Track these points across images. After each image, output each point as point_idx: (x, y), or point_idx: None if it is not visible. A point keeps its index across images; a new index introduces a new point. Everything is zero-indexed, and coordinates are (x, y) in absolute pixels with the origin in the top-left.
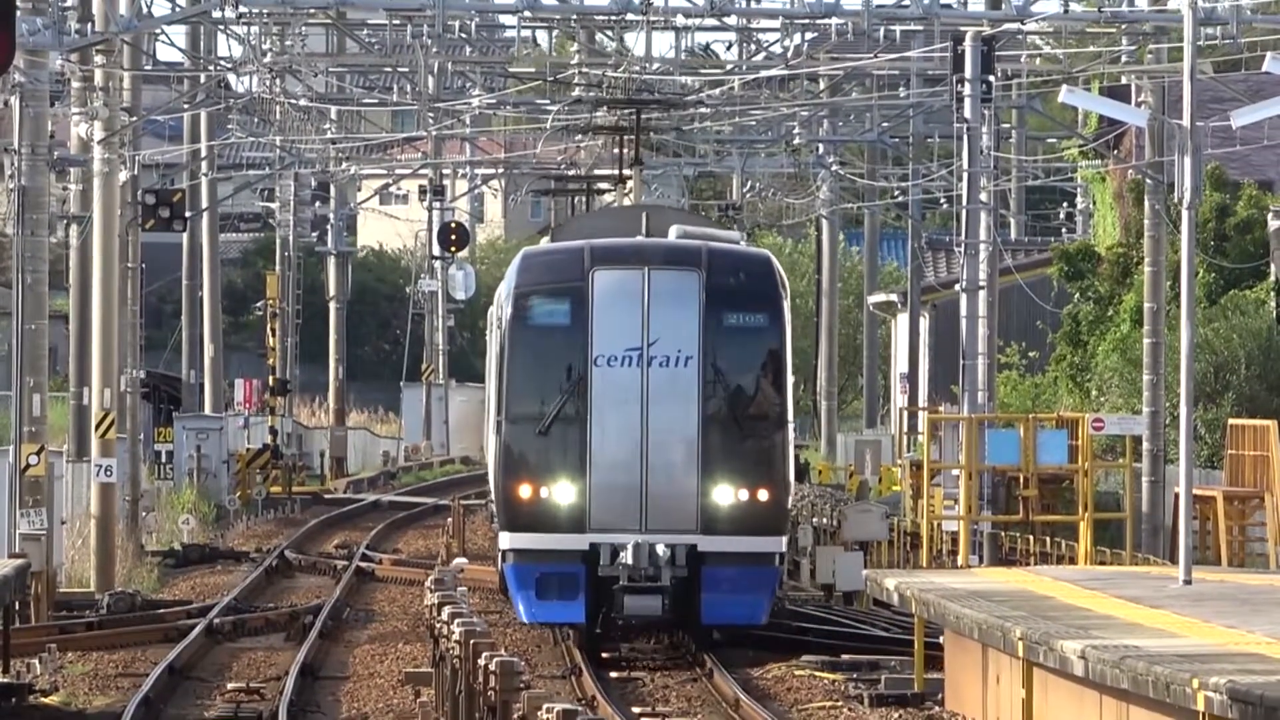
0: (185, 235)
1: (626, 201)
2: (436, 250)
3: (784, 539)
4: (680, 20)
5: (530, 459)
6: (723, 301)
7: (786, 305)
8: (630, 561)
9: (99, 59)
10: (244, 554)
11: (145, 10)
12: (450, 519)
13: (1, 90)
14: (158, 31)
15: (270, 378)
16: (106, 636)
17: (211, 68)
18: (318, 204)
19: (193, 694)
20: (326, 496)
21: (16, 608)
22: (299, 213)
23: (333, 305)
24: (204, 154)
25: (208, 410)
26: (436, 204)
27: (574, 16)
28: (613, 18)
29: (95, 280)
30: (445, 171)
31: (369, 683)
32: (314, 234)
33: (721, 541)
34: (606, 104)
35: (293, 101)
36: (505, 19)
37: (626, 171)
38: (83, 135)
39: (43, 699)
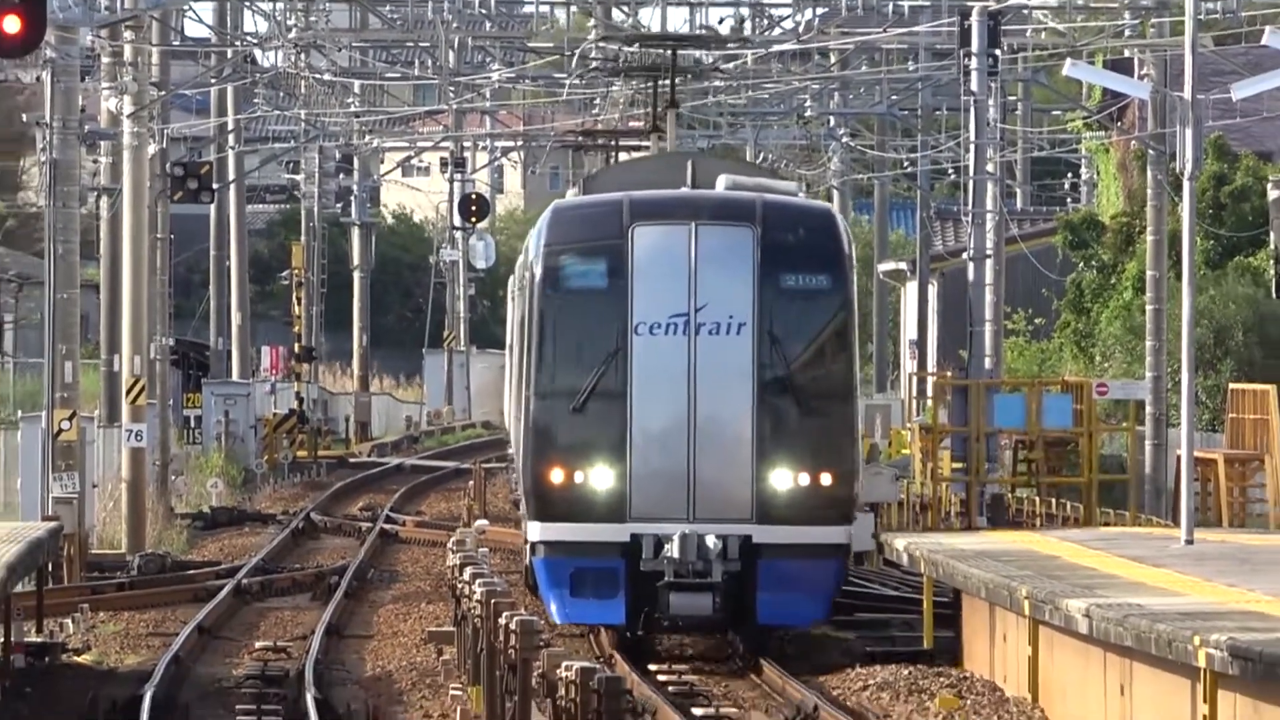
0: (213, 207)
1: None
2: (457, 221)
3: (849, 529)
4: (638, 45)
5: (563, 440)
6: (780, 261)
7: (852, 265)
8: (677, 555)
9: (128, 35)
10: (271, 516)
11: None
12: (471, 482)
13: (33, 65)
14: (185, 8)
15: (296, 345)
16: (137, 597)
17: (238, 43)
18: (341, 176)
19: (221, 653)
20: (351, 460)
21: (50, 569)
22: (323, 184)
23: (356, 274)
24: (231, 128)
25: (235, 376)
26: (457, 176)
27: None
28: None
29: (125, 250)
30: (465, 144)
31: (393, 641)
32: (338, 205)
33: (779, 532)
34: (640, 40)
35: (317, 76)
36: None
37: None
38: (112, 109)
39: (75, 658)
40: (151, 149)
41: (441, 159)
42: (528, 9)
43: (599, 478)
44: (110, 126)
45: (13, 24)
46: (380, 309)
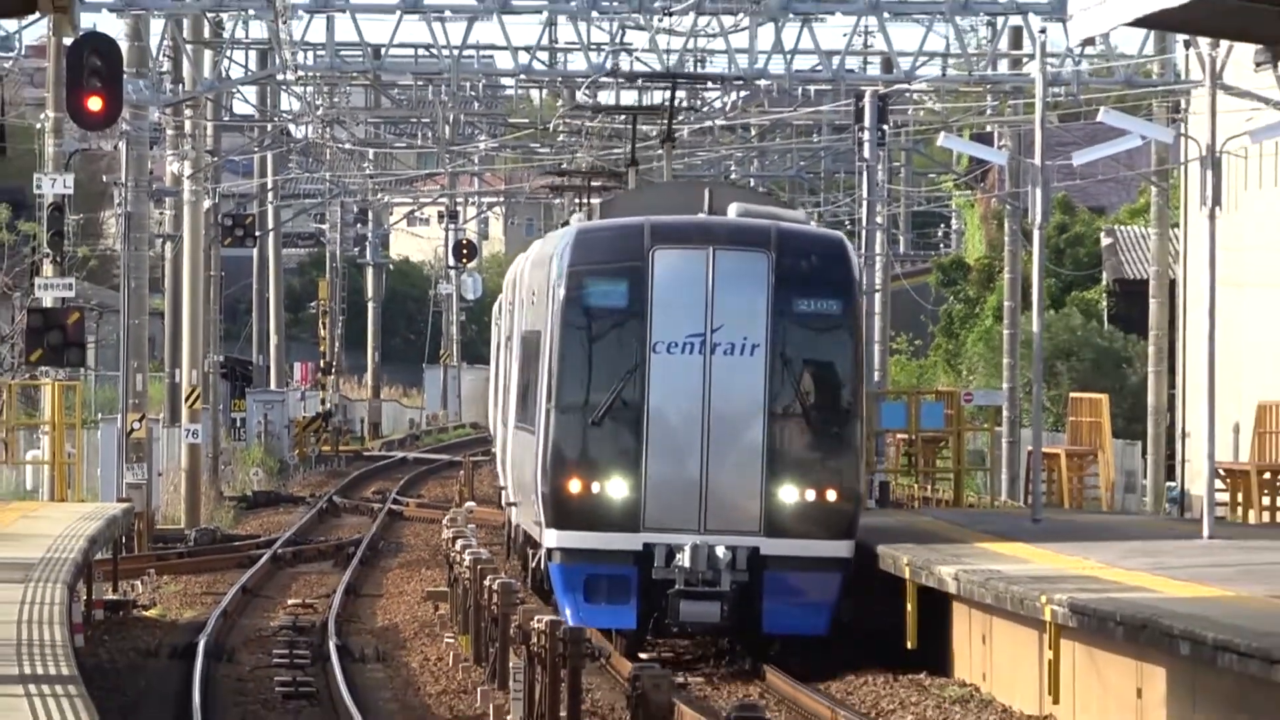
0: (255, 250)
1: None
2: (451, 262)
3: (852, 543)
4: (642, 80)
5: (581, 452)
6: (793, 286)
7: (861, 291)
8: (688, 564)
9: (188, 112)
10: (301, 499)
11: (223, 74)
12: (461, 471)
13: (112, 137)
14: (234, 91)
15: (321, 361)
16: (193, 563)
17: (275, 119)
18: (358, 225)
19: (261, 608)
20: (365, 454)
21: (123, 540)
22: (344, 232)
23: (370, 305)
24: (269, 186)
25: (272, 386)
26: (451, 225)
27: (559, 79)
28: (588, 78)
29: (185, 285)
30: (458, 200)
31: (398, 599)
32: (355, 249)
33: (786, 545)
34: (641, 78)
35: (339, 145)
36: (505, 80)
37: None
38: (175, 172)
39: (144, 612)
40: (206, 204)
41: (439, 212)
42: (508, 91)
43: (615, 489)
44: (173, 186)
45: (95, 104)
46: (389, 332)
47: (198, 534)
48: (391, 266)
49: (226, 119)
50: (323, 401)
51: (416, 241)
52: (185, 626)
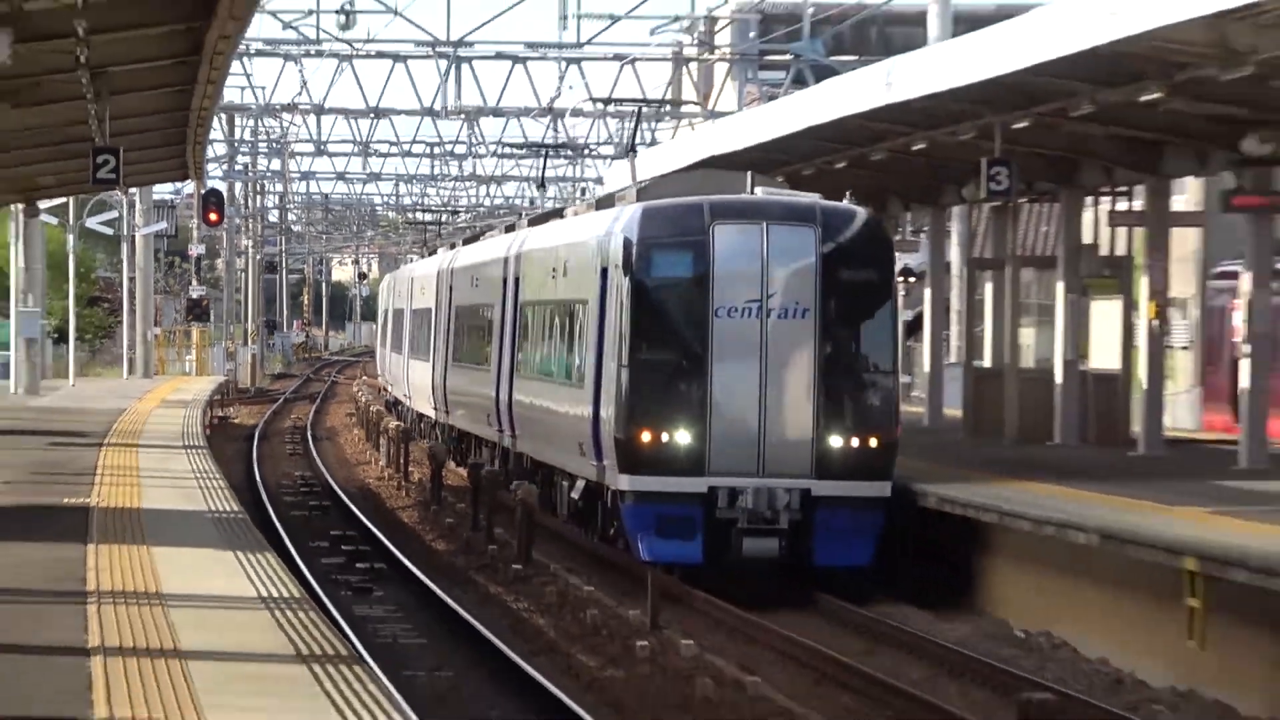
0: (277, 276)
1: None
2: (357, 281)
3: (890, 483)
4: (486, 205)
5: (652, 405)
6: (837, 256)
7: (894, 260)
8: (750, 505)
9: (250, 220)
10: (296, 375)
11: (265, 204)
12: (362, 365)
13: (220, 230)
14: (269, 210)
15: (304, 320)
16: (253, 400)
17: (285, 222)
18: (320, 266)
19: (280, 420)
20: (321, 359)
21: (225, 391)
22: (313, 268)
23: (324, 299)
24: (283, 250)
25: (284, 330)
26: (357, 267)
27: (407, 209)
28: (435, 210)
29: (249, 291)
30: (361, 256)
31: (335, 415)
32: (318, 275)
33: (834, 486)
34: (606, 102)
35: (313, 233)
36: (379, 208)
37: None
38: (246, 244)
39: (233, 420)
40: (258, 257)
41: (353, 260)
42: (380, 212)
43: (682, 438)
44: (241, 250)
45: (213, 216)
46: (332, 309)
47: (254, 389)
48: (334, 284)
49: (267, 222)
50: (306, 336)
51: (345, 272)
52: (249, 427)
